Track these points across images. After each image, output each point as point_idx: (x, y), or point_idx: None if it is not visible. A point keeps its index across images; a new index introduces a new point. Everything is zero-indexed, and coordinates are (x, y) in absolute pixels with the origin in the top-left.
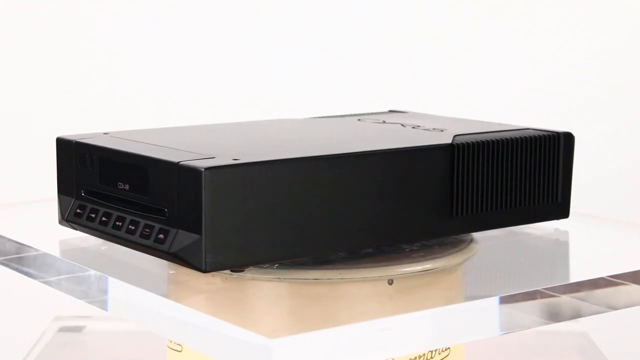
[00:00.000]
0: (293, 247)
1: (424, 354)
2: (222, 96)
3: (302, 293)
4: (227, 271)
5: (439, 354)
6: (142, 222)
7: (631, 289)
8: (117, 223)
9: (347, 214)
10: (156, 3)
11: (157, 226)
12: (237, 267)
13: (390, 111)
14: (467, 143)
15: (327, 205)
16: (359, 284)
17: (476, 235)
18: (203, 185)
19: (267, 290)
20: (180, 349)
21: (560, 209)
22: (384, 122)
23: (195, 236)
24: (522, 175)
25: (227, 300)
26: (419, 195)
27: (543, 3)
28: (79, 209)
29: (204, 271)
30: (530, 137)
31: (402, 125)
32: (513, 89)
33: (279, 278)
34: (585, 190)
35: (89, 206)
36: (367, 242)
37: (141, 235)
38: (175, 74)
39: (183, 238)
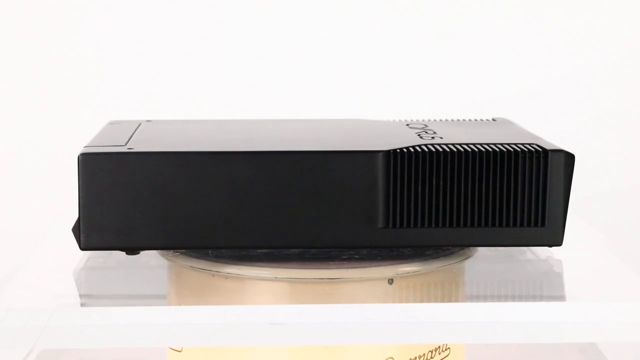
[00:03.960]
0: (179, 237)
1: (424, 354)
2: (223, 96)
3: (302, 292)
4: (225, 270)
5: (439, 354)
6: None
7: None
8: None
9: (247, 211)
10: (156, 3)
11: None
12: (116, 249)
13: (493, 119)
14: (405, 152)
15: (220, 201)
16: (359, 284)
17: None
18: (78, 170)
19: (265, 289)
20: (180, 349)
21: (548, 235)
22: (424, 127)
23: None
24: (481, 193)
25: (227, 299)
26: (340, 201)
27: (544, 5)
28: None
29: (81, 249)
30: (497, 151)
31: (419, 130)
32: (513, 89)
33: (277, 277)
34: (589, 201)
35: None
36: (271, 242)
37: None
38: (174, 75)
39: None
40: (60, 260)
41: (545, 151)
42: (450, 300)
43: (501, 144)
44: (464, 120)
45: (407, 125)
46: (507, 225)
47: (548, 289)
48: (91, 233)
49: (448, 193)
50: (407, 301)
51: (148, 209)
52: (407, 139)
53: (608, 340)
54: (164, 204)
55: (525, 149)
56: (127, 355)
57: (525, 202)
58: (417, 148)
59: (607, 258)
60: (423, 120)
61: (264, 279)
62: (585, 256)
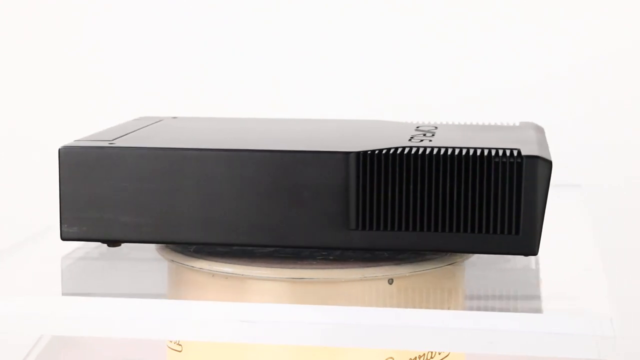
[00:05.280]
0: (154, 232)
1: (424, 354)
2: (224, 97)
3: (302, 292)
4: (225, 270)
5: (439, 353)
6: None
7: None
8: None
9: (219, 208)
10: (155, 4)
11: None
12: (94, 240)
13: (521, 123)
14: (375, 153)
15: (192, 197)
16: (359, 284)
17: None
18: (58, 162)
19: (265, 289)
20: (180, 349)
21: (522, 243)
22: (429, 130)
23: None
24: (452, 198)
25: (227, 298)
26: (309, 201)
27: (543, 5)
28: None
29: (62, 239)
30: (469, 156)
31: (421, 131)
32: (513, 89)
33: (277, 277)
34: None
35: None
36: (244, 240)
37: None
38: (175, 77)
39: None
40: (49, 250)
41: (520, 157)
42: (449, 303)
43: (480, 149)
44: (484, 124)
45: (418, 127)
46: (480, 231)
47: (524, 296)
48: (71, 224)
49: (419, 196)
50: (406, 302)
51: (124, 203)
52: (393, 141)
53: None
54: (139, 198)
55: (500, 154)
56: (127, 355)
57: (499, 208)
58: (392, 150)
59: (595, 267)
60: (435, 123)
61: (264, 279)
62: (573, 264)
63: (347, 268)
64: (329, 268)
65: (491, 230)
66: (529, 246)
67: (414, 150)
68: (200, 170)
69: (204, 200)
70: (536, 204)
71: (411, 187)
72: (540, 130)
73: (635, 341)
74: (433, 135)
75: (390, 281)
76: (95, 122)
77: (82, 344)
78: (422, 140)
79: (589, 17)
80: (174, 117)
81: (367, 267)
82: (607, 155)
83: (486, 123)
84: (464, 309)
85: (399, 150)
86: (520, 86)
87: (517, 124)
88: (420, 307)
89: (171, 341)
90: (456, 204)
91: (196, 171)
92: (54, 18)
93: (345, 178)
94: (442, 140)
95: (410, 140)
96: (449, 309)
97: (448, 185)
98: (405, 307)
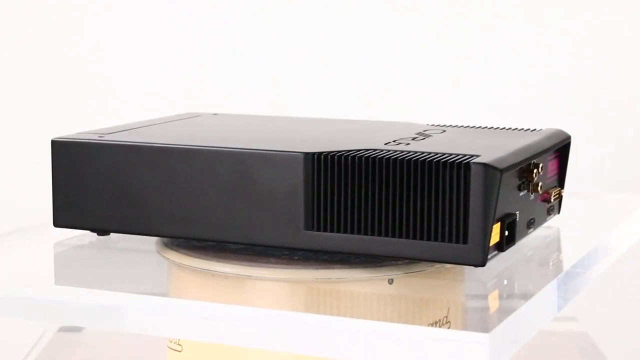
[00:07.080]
0: (131, 223)
1: None
2: (224, 97)
3: (303, 292)
4: (225, 270)
5: None
6: None
7: None
8: None
9: (184, 204)
10: (155, 4)
11: None
12: (82, 229)
13: (546, 129)
14: (328, 155)
15: (166, 192)
16: (359, 284)
17: None
18: (51, 153)
19: (265, 289)
20: (180, 349)
21: (469, 253)
22: (430, 132)
23: None
24: (402, 203)
25: (227, 298)
26: (267, 200)
27: (543, 5)
28: None
29: (54, 226)
30: (417, 162)
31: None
32: (513, 89)
33: (278, 278)
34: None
35: None
36: (208, 235)
37: None
38: (175, 77)
39: None
40: (46, 237)
41: (467, 164)
42: (452, 301)
43: (437, 154)
44: (495, 128)
45: (424, 131)
46: (429, 239)
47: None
48: (61, 212)
49: (369, 201)
50: (407, 301)
51: (108, 195)
52: (366, 144)
53: None
54: (121, 191)
55: (448, 161)
56: (126, 355)
57: (447, 216)
58: (345, 153)
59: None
60: (445, 125)
61: (264, 279)
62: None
63: (347, 268)
64: (328, 268)
65: (439, 238)
66: (476, 256)
67: (366, 154)
68: (170, 165)
69: (176, 195)
70: (485, 213)
71: (362, 191)
72: (553, 137)
73: (635, 341)
74: (424, 138)
75: (391, 281)
76: (96, 122)
77: (83, 344)
78: (399, 144)
79: (589, 17)
80: (215, 114)
81: (367, 266)
82: (607, 154)
83: (513, 127)
84: (464, 309)
85: (352, 153)
86: (520, 86)
87: (543, 129)
88: (422, 308)
89: (171, 341)
90: (405, 210)
91: (167, 167)
92: (54, 18)
93: (303, 179)
94: (422, 145)
95: (389, 143)
96: (448, 309)
97: (398, 191)
98: (405, 306)
